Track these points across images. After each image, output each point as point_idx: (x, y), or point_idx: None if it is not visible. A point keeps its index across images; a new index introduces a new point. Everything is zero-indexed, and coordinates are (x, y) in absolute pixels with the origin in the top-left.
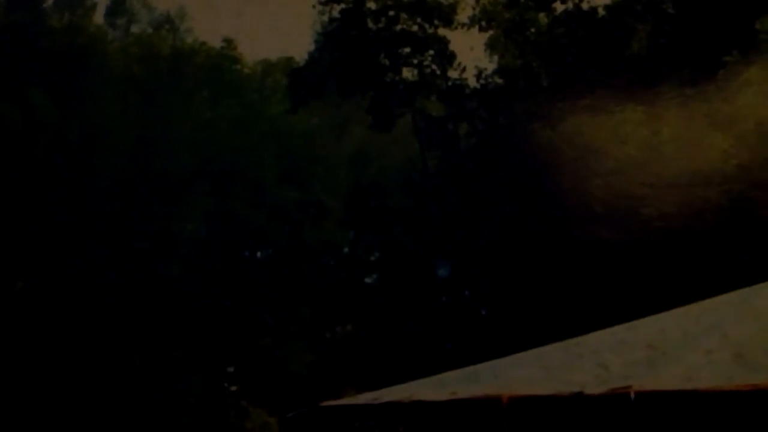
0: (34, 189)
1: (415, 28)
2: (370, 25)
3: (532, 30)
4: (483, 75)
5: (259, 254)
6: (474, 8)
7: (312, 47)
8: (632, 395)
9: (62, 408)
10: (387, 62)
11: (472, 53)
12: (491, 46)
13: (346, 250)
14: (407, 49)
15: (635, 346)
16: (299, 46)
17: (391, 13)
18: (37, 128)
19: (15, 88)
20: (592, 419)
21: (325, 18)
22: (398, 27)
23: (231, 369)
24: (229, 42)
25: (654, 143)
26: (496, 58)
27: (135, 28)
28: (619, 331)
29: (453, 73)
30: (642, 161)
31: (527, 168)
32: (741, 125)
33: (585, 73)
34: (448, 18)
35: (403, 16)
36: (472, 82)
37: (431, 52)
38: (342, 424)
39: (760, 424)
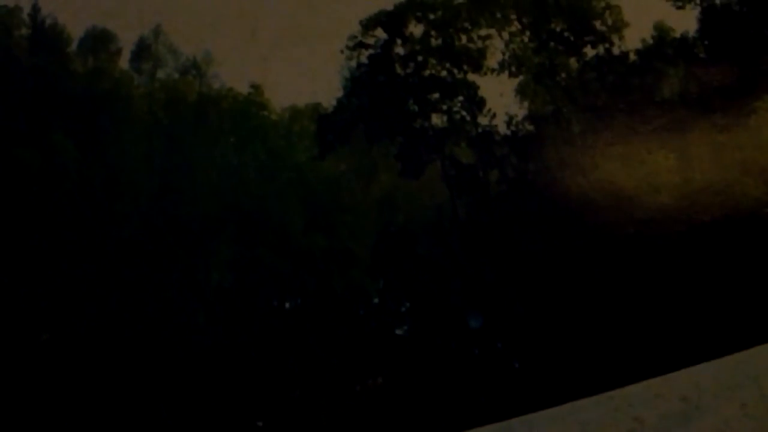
0: (56, 237)
1: (444, 73)
2: (399, 70)
3: (563, 75)
4: (513, 121)
5: (287, 304)
6: (503, 53)
7: (340, 93)
8: None
9: None
10: (416, 108)
11: (502, 99)
12: (521, 92)
13: (375, 300)
14: (436, 95)
15: (670, 399)
16: (327, 91)
17: (420, 58)
18: (60, 174)
19: (37, 133)
20: None
21: (353, 63)
22: (427, 72)
23: (260, 423)
24: (256, 88)
25: (687, 192)
26: (526, 103)
27: (161, 74)
28: (654, 383)
29: (483, 120)
30: (675, 210)
31: (559, 216)
32: None
33: (616, 118)
34: (477, 63)
35: (432, 61)
36: (503, 129)
37: (460, 98)
38: None
39: None
